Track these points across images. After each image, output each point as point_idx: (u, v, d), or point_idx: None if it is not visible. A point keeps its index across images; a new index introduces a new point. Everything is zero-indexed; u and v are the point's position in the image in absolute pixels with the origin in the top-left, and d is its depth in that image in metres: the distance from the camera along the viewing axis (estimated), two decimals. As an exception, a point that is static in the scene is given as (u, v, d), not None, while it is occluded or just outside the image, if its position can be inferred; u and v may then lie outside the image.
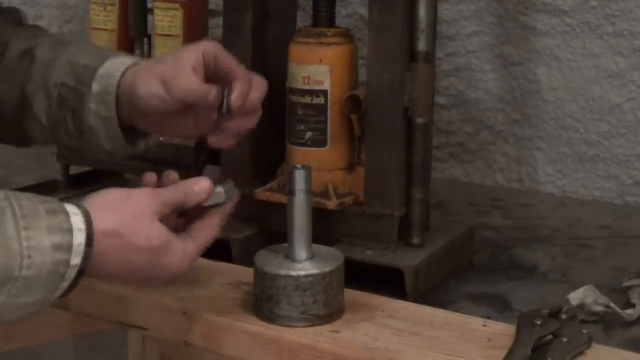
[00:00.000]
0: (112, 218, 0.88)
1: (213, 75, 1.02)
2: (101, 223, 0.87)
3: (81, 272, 0.85)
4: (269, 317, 1.01)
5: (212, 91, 0.99)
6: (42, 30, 1.17)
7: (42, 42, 1.12)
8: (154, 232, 0.90)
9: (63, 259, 0.83)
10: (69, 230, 0.84)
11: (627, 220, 1.60)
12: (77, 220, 0.85)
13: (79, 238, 0.84)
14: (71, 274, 0.85)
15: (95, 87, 1.04)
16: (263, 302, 1.01)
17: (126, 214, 0.89)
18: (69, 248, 0.84)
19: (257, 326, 1.00)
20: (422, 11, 1.24)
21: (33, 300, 0.84)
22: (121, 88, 1.03)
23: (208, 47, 1.01)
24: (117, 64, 1.05)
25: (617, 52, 1.69)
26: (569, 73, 1.73)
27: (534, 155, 1.79)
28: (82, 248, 0.84)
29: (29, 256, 0.82)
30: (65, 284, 0.85)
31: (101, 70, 1.05)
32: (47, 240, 0.83)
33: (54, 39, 1.13)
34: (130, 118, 1.05)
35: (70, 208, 0.86)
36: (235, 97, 0.99)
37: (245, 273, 1.12)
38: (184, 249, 0.93)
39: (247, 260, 1.13)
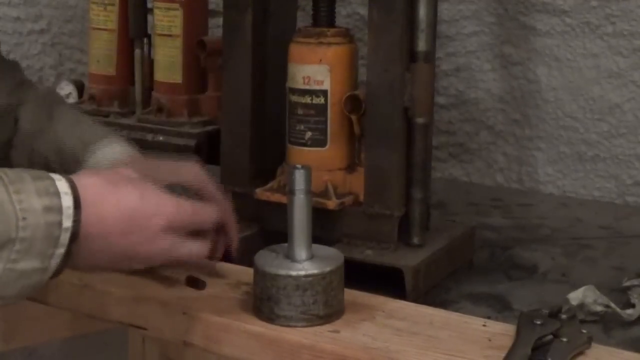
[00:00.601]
0: (95, 176, 0.90)
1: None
2: (85, 182, 0.88)
3: (74, 235, 0.86)
4: (269, 317, 1.00)
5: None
6: (22, 78, 1.19)
7: (25, 102, 1.14)
8: (137, 178, 0.92)
9: (55, 220, 0.84)
10: (57, 194, 0.85)
11: (627, 220, 1.60)
12: (62, 184, 0.86)
13: (67, 201, 0.85)
14: (65, 237, 0.85)
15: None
16: (263, 302, 1.01)
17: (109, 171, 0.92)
18: (59, 210, 0.84)
19: (257, 326, 1.00)
20: (422, 11, 1.24)
21: (32, 267, 0.84)
22: None
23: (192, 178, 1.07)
24: (107, 155, 1.09)
25: (617, 52, 1.69)
26: (569, 73, 1.73)
27: (534, 155, 1.79)
28: (71, 211, 0.85)
29: (24, 218, 0.83)
30: (61, 250, 0.85)
31: (91, 161, 1.08)
32: (38, 202, 0.84)
33: (38, 100, 1.15)
34: None
35: (54, 175, 0.87)
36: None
37: (245, 273, 1.12)
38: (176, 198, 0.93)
39: (247, 260, 1.13)
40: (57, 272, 0.87)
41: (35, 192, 0.84)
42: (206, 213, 0.97)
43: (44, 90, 1.19)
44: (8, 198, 0.82)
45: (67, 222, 0.85)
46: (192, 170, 1.09)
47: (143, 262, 0.93)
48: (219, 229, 1.08)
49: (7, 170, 0.85)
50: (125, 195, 0.90)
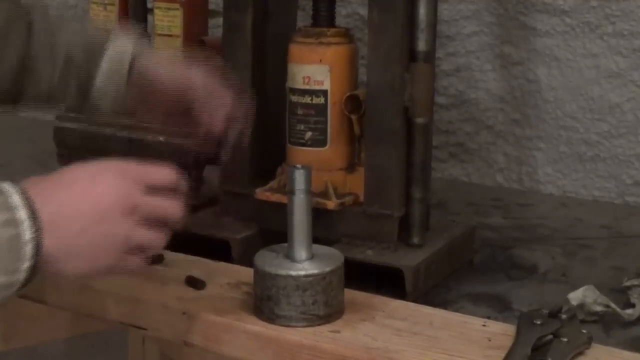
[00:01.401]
0: (48, 182, 0.89)
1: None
2: (38, 194, 0.87)
3: (38, 247, 0.85)
4: (269, 317, 1.01)
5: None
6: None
7: (36, 12, 1.15)
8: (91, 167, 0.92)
9: (13, 233, 0.84)
10: (12, 208, 0.85)
11: (627, 220, 1.60)
12: (15, 199, 0.85)
13: (22, 214, 0.85)
14: (27, 250, 0.85)
15: (104, 65, 1.11)
16: (263, 302, 1.01)
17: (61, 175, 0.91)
18: (15, 223, 0.84)
19: (257, 326, 1.00)
20: (422, 11, 1.24)
21: None
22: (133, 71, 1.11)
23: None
24: (125, 44, 1.13)
25: (617, 52, 1.69)
26: (569, 73, 1.73)
27: (534, 155, 1.79)
28: (27, 223, 0.85)
29: None
30: (26, 264, 0.85)
31: (110, 51, 1.11)
32: None
33: (47, 11, 1.16)
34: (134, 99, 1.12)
35: (7, 188, 0.86)
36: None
37: (245, 273, 1.12)
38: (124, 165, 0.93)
39: (247, 260, 1.14)
40: (24, 284, 0.86)
41: None
42: (171, 204, 0.95)
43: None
44: None
45: (27, 234, 0.84)
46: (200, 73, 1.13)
47: (112, 248, 0.90)
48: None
49: None
50: (78, 194, 0.89)
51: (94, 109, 1.14)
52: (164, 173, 0.95)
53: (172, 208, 0.94)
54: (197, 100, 1.13)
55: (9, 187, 0.86)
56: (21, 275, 0.85)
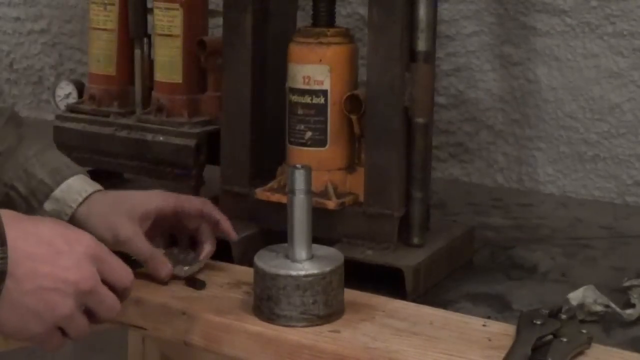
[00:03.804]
0: (22, 226, 0.88)
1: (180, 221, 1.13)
2: (11, 221, 0.86)
3: (2, 274, 0.84)
4: (269, 317, 1.01)
5: (158, 261, 1.09)
6: None
7: None
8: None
9: None
10: None
11: (627, 220, 1.60)
12: None
13: None
14: None
15: (48, 206, 1.09)
16: (263, 302, 1.01)
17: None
18: None
19: (257, 326, 1.00)
20: (422, 11, 1.24)
21: None
22: (75, 218, 1.08)
23: (164, 204, 1.11)
24: (75, 192, 1.09)
25: (617, 52, 1.69)
26: (569, 73, 1.73)
27: (534, 155, 1.79)
28: None
29: None
30: None
31: (57, 193, 1.09)
32: None
33: (4, 118, 1.14)
34: None
35: None
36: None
37: (245, 273, 1.12)
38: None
39: (247, 260, 1.14)
40: None
41: None
42: (125, 270, 0.95)
43: (9, 110, 1.16)
44: None
45: None
46: (161, 195, 1.12)
47: (71, 291, 0.88)
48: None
49: None
50: (47, 226, 0.89)
51: None
52: (127, 274, 0.95)
53: (115, 306, 0.93)
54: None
55: None
56: None
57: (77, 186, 1.10)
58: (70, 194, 1.09)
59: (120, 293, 0.94)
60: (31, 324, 0.87)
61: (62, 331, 0.90)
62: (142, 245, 1.08)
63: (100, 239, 1.00)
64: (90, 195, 1.10)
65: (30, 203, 1.09)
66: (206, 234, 1.14)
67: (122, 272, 0.94)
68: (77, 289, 0.88)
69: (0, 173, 1.10)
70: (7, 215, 0.86)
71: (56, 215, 1.08)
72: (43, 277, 0.86)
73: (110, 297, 0.92)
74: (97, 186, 1.12)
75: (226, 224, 1.14)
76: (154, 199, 1.11)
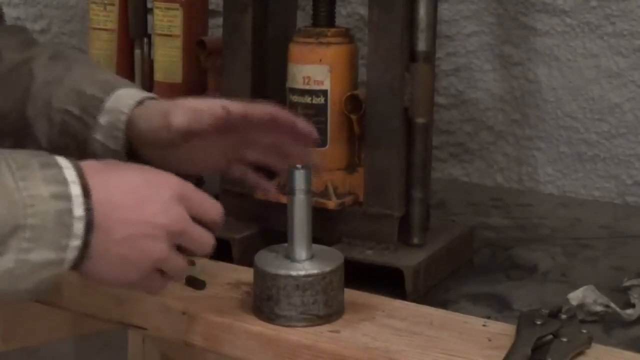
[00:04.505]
0: (106, 175, 0.88)
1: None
2: (90, 168, 0.86)
3: (89, 225, 0.83)
4: (269, 317, 1.01)
5: (204, 118, 1.02)
6: (31, 37, 1.17)
7: (38, 56, 1.12)
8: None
9: (65, 207, 0.82)
10: (64, 182, 0.83)
11: (627, 220, 1.60)
12: (70, 173, 0.84)
13: (76, 189, 0.83)
14: (79, 228, 0.83)
15: (102, 120, 1.06)
16: (263, 302, 1.01)
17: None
18: (68, 198, 0.83)
19: (257, 326, 1.01)
20: (422, 11, 1.24)
21: (46, 259, 0.82)
22: (130, 124, 1.05)
23: (229, 104, 1.04)
24: (126, 98, 1.06)
25: (617, 52, 1.69)
26: (569, 73, 1.73)
27: (534, 155, 1.79)
28: (80, 200, 0.83)
29: (32, 205, 0.81)
30: (77, 242, 0.83)
31: (109, 104, 1.06)
32: (46, 190, 0.82)
33: (50, 53, 1.13)
34: (140, 151, 1.07)
35: (63, 162, 0.85)
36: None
37: (245, 273, 1.12)
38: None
39: (247, 260, 1.14)
40: (74, 265, 0.85)
41: (42, 179, 0.82)
42: (213, 205, 0.94)
43: (56, 47, 1.16)
44: (15, 185, 0.81)
45: (79, 211, 0.83)
46: (220, 99, 1.06)
47: (162, 235, 0.88)
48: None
49: (15, 155, 0.83)
50: (130, 173, 0.89)
51: None
52: (215, 208, 0.95)
53: (209, 241, 0.93)
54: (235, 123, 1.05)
55: (63, 162, 0.85)
56: (71, 254, 0.83)
57: (128, 93, 1.07)
58: (121, 101, 1.06)
59: (211, 227, 0.94)
60: (127, 272, 0.88)
61: (161, 271, 0.91)
62: (182, 119, 1.02)
63: (156, 130, 1.01)
64: (143, 100, 1.06)
65: (85, 121, 1.06)
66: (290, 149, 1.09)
67: (210, 207, 0.93)
68: (168, 232, 0.88)
69: (53, 102, 1.08)
70: (90, 166, 0.86)
71: (112, 127, 1.05)
72: (132, 225, 0.86)
73: (202, 233, 0.92)
74: (151, 95, 1.09)
75: (302, 124, 1.07)
76: (216, 99, 1.06)
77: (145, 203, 0.88)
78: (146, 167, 0.92)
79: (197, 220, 0.92)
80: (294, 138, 1.09)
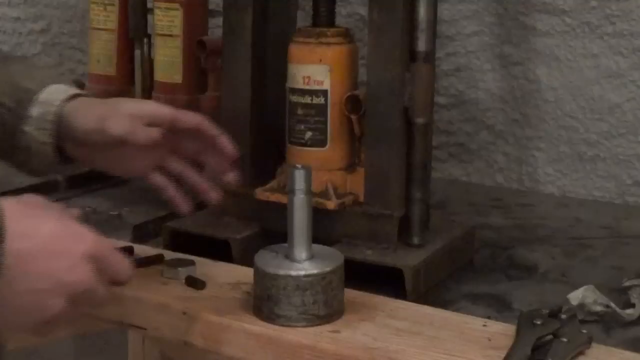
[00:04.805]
0: (15, 203, 0.86)
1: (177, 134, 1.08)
2: (13, 215, 0.84)
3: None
4: (269, 317, 1.01)
5: (140, 132, 1.03)
6: None
7: None
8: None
9: None
10: None
11: (627, 220, 1.60)
12: None
13: None
14: None
15: (33, 111, 1.05)
16: (263, 302, 1.01)
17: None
18: None
19: (257, 326, 1.00)
20: (422, 11, 1.24)
21: None
22: (61, 118, 1.05)
23: (159, 109, 1.07)
24: (58, 92, 1.06)
25: (617, 52, 1.69)
26: (569, 73, 1.73)
27: (534, 155, 1.79)
28: None
29: None
30: None
31: (42, 96, 1.06)
32: None
33: None
34: (67, 146, 1.06)
35: None
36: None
37: (245, 273, 1.12)
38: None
39: (247, 260, 1.13)
40: None
41: None
42: (124, 267, 0.91)
43: None
44: None
45: None
46: (155, 102, 1.09)
47: (64, 292, 0.86)
48: None
49: None
50: (48, 223, 0.87)
51: (19, 160, 1.08)
52: (126, 271, 0.92)
53: (106, 299, 0.91)
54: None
55: None
56: None
57: (61, 88, 1.07)
58: (53, 94, 1.06)
59: (117, 284, 0.92)
60: (19, 320, 0.86)
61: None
62: (122, 124, 1.03)
63: (90, 131, 1.01)
64: (77, 95, 1.06)
65: (17, 113, 1.06)
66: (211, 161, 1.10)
67: (121, 269, 0.91)
68: (70, 291, 0.86)
69: None
70: (11, 210, 0.86)
71: (41, 118, 1.04)
72: (36, 279, 0.85)
73: (102, 294, 0.90)
74: (84, 92, 1.08)
75: (224, 139, 1.09)
76: (149, 103, 1.08)
77: (56, 257, 0.86)
78: (65, 218, 0.89)
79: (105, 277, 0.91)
80: (214, 151, 1.10)
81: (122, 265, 0.92)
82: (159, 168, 1.11)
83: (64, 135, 1.05)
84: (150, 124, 1.05)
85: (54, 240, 0.86)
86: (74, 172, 1.67)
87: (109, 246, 0.91)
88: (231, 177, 1.10)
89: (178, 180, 1.11)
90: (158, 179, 1.10)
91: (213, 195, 1.11)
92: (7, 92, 1.07)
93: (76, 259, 0.87)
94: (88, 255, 0.87)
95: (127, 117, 1.04)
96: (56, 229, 0.87)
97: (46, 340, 1.30)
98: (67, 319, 0.89)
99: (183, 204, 1.10)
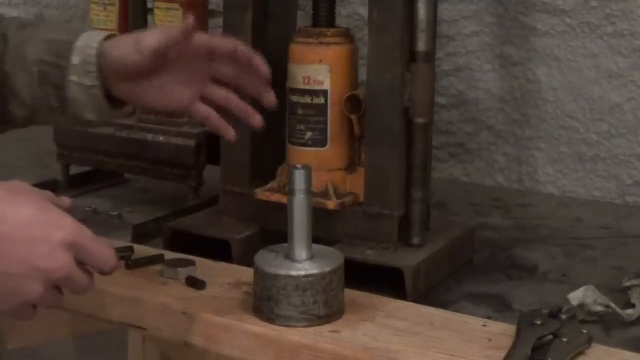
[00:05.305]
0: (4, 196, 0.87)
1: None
2: None
3: None
4: (269, 317, 1.01)
5: (177, 31, 1.04)
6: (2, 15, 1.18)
7: (10, 25, 1.13)
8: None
9: None
10: None
11: (627, 220, 1.60)
12: None
13: None
14: None
15: (75, 59, 1.07)
16: (263, 302, 1.01)
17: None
18: None
19: (257, 326, 1.01)
20: (422, 11, 1.24)
21: None
22: (101, 57, 1.06)
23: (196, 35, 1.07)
24: (94, 36, 1.08)
25: (617, 52, 1.69)
26: (569, 73, 1.73)
27: (534, 155, 1.79)
28: None
29: None
30: None
31: (79, 43, 1.07)
32: None
33: (18, 23, 1.14)
34: (113, 86, 1.08)
35: None
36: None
37: (245, 273, 1.12)
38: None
39: (247, 260, 1.14)
40: None
41: None
42: (105, 256, 0.90)
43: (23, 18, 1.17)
44: None
45: None
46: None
47: (41, 278, 0.86)
48: None
49: None
50: (28, 208, 0.87)
51: (74, 115, 1.09)
52: (107, 260, 0.90)
53: (89, 286, 0.90)
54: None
55: None
56: None
57: (96, 33, 1.09)
58: (90, 38, 1.08)
59: (100, 273, 0.91)
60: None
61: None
62: (155, 36, 1.05)
63: (124, 54, 1.04)
64: (111, 35, 1.08)
65: (59, 65, 1.07)
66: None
67: (101, 258, 0.90)
68: (47, 277, 0.86)
69: (27, 56, 1.09)
70: None
71: (84, 63, 1.06)
72: (13, 263, 0.85)
73: (83, 280, 0.89)
74: (111, 35, 1.11)
75: (258, 60, 1.09)
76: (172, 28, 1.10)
77: (34, 243, 0.86)
78: (48, 207, 0.89)
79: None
80: (250, 73, 1.10)
81: (104, 254, 0.90)
82: (201, 98, 1.11)
83: (107, 73, 1.06)
84: (187, 34, 1.06)
85: (31, 226, 0.86)
86: (74, 172, 1.68)
87: (90, 235, 0.89)
88: (268, 97, 1.11)
89: (220, 109, 1.12)
90: (201, 109, 1.11)
91: (257, 118, 1.11)
92: (45, 49, 1.09)
93: (54, 246, 0.86)
94: (67, 243, 0.87)
95: (159, 30, 1.06)
96: (35, 215, 0.87)
97: (46, 340, 1.30)
98: (47, 304, 0.89)
99: (229, 131, 1.11)
